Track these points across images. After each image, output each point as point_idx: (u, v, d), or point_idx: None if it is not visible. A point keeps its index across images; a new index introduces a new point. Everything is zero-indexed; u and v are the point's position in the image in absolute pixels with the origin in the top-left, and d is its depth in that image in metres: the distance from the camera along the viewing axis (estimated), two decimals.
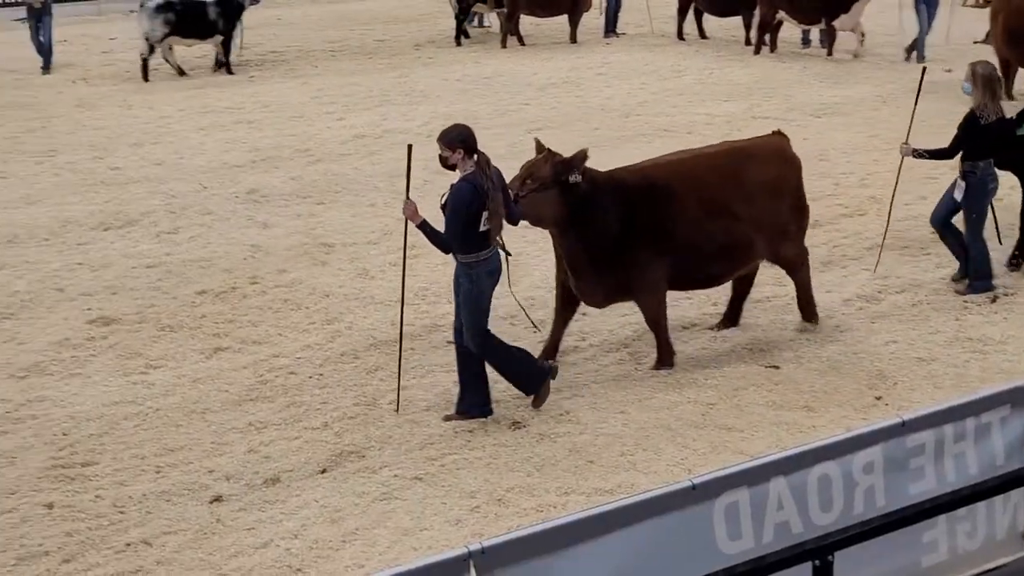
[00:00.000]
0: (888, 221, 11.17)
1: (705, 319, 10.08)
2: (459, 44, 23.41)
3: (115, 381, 9.21)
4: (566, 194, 8.59)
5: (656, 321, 9.09)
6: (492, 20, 24.89)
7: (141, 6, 20.84)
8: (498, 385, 8.87)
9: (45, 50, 21.53)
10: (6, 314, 10.53)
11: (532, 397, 8.54)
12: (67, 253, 12.07)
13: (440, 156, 8.14)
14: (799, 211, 9.60)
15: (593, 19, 24.05)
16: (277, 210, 13.28)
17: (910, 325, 9.87)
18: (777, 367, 9.17)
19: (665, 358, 9.14)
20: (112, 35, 25.00)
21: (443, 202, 8.08)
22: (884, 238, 11.13)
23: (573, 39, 23.40)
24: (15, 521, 7.28)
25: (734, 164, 9.27)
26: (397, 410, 8.55)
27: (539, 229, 9.32)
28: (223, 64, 21.42)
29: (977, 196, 10.20)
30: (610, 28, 24.11)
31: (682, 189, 8.97)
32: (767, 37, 21.84)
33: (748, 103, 17.79)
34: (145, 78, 20.71)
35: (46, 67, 21.44)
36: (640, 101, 18.12)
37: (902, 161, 10.73)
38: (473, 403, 8.45)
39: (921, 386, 8.78)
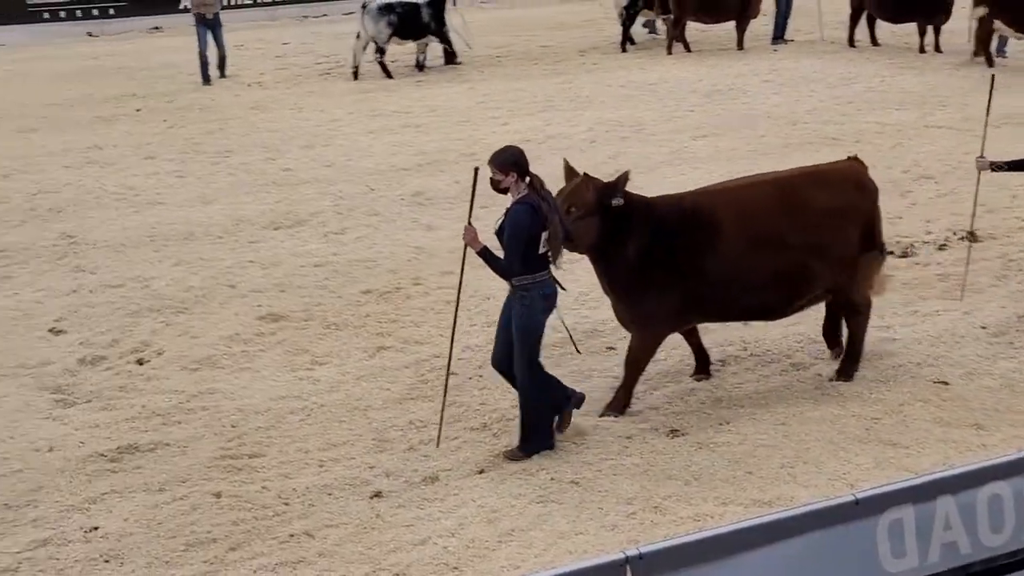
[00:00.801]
0: (970, 246, 10.69)
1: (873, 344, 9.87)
2: (624, 50, 23.37)
3: (282, 376, 9.46)
4: (605, 219, 8.35)
5: (635, 360, 8.64)
6: (661, 27, 24.75)
7: (364, 8, 21.54)
8: (655, 393, 8.85)
9: (218, 59, 21.78)
10: (181, 308, 10.90)
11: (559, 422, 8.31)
12: (239, 251, 12.44)
13: (491, 179, 7.91)
14: (870, 244, 9.02)
15: (761, 25, 23.76)
16: (441, 212, 13.46)
17: None
18: (946, 383, 8.91)
19: (617, 403, 8.60)
20: (285, 40, 25.66)
21: (498, 228, 7.92)
22: (968, 263, 10.59)
23: (740, 45, 23.14)
24: (185, 508, 7.53)
25: (797, 190, 8.79)
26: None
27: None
28: (421, 66, 22.24)
29: None
30: (778, 35, 23.77)
31: (727, 218, 8.51)
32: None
33: (920, 112, 17.36)
34: (388, 75, 21.62)
35: (206, 79, 21.48)
36: (808, 109, 17.84)
37: (979, 177, 10.25)
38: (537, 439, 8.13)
39: None
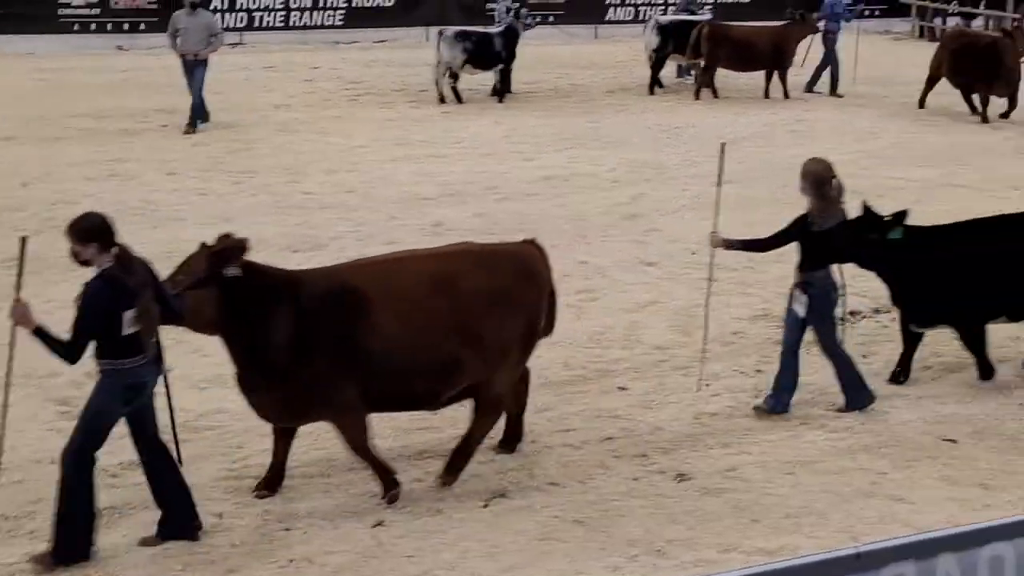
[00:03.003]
0: (706, 333, 9.80)
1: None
2: (652, 93, 23.43)
3: None
4: (228, 293, 7.45)
5: (358, 446, 7.82)
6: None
7: (441, 34, 21.97)
8: (663, 436, 8.84)
9: (194, 105, 19.09)
10: None
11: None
12: None
13: (72, 251, 6.89)
14: (530, 337, 8.19)
15: (793, 75, 23.68)
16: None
17: None
18: (954, 441, 8.88)
19: (387, 484, 7.89)
20: (315, 64, 25.81)
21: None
22: (704, 351, 9.73)
23: (767, 94, 23.16)
24: None
25: (455, 270, 7.92)
26: None
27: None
28: (500, 91, 22.45)
29: (824, 306, 8.97)
30: (832, 87, 23.63)
31: (379, 296, 7.66)
32: None
33: (945, 170, 17.34)
34: (459, 100, 21.95)
35: (192, 125, 18.96)
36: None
37: (712, 255, 9.44)
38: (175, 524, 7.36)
39: None
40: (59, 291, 11.52)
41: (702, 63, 23.17)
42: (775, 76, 23.10)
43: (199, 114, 19.08)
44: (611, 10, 32.08)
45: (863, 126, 20.56)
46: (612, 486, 8.15)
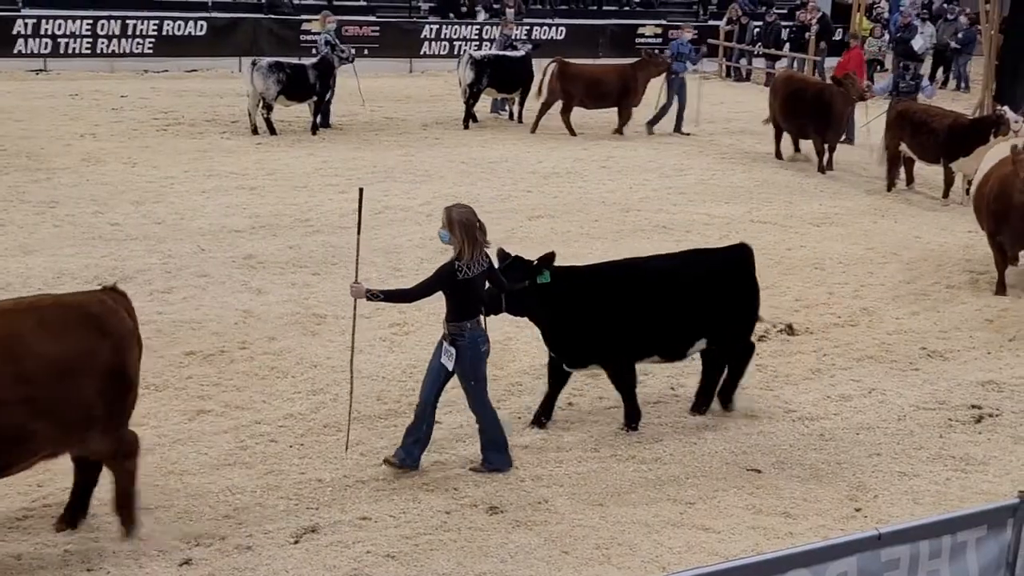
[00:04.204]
0: (352, 389, 9.22)
1: (676, 405, 10.08)
2: (467, 127, 23.63)
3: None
4: None
5: None
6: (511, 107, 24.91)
7: (254, 65, 21.61)
8: (476, 470, 8.87)
9: None
10: None
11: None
12: None
13: None
14: (117, 393, 7.48)
15: (637, 111, 24.07)
16: (272, 277, 13.31)
17: (895, 439, 9.87)
18: (759, 471, 9.15)
19: None
20: (123, 93, 25.21)
21: None
22: (350, 415, 9.24)
23: (620, 131, 23.50)
24: None
25: (17, 331, 7.13)
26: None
27: None
28: (314, 124, 22.33)
29: (472, 361, 8.65)
30: (674, 125, 24.15)
31: None
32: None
33: (748, 207, 17.93)
34: (272, 131, 21.71)
35: None
36: (641, 197, 18.26)
37: (355, 304, 8.91)
38: None
39: (901, 501, 8.77)
40: None
41: (543, 100, 23.36)
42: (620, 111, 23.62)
43: None
44: (426, 44, 32.27)
45: (670, 163, 21.11)
46: (424, 520, 8.14)
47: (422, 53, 32.15)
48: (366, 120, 23.58)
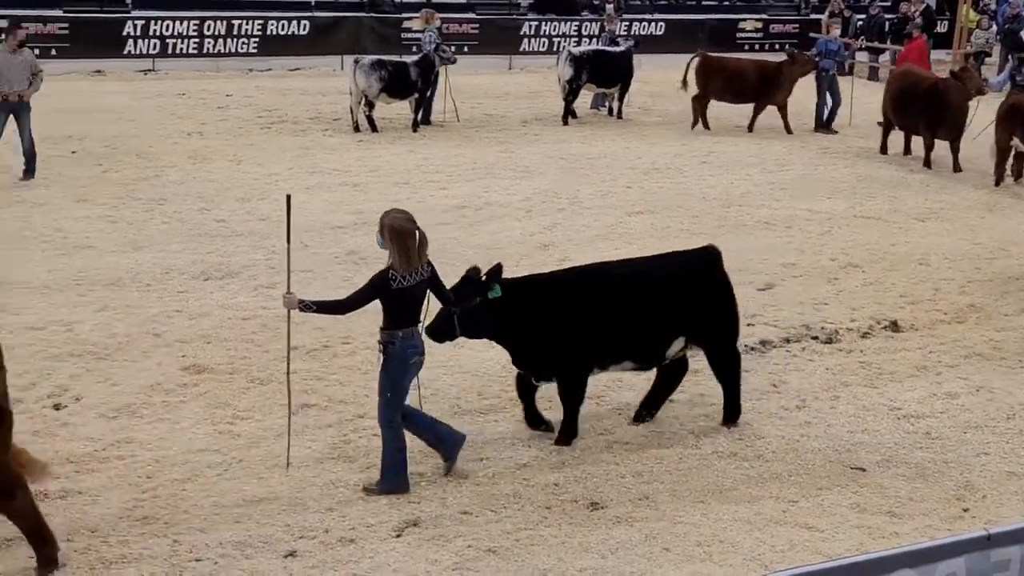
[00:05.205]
0: (289, 402, 9.05)
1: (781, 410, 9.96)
2: (566, 123, 23.61)
3: (202, 429, 9.36)
4: None
5: None
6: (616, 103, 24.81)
7: (356, 63, 21.87)
8: (578, 464, 8.86)
9: (25, 156, 17.29)
10: (103, 355, 10.76)
11: None
12: (167, 300, 12.33)
13: None
14: None
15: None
16: (374, 272, 13.38)
17: (1004, 438, 9.67)
18: (863, 469, 9.02)
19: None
20: (229, 92, 25.64)
21: None
22: (290, 424, 8.98)
23: (751, 128, 23.24)
24: (91, 561, 7.39)
25: None
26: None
27: None
28: (419, 123, 22.48)
29: (396, 371, 8.33)
30: (826, 121, 23.92)
31: None
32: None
33: (851, 202, 17.67)
34: (374, 128, 21.91)
35: (28, 172, 17.30)
36: (742, 192, 18.09)
37: (289, 317, 8.87)
38: None
39: (1011, 501, 8.58)
40: None
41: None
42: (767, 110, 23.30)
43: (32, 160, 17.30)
44: (525, 41, 32.32)
45: (772, 157, 20.89)
46: (525, 515, 8.16)
47: (521, 50, 32.21)
48: (466, 117, 23.67)
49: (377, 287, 8.38)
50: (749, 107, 23.42)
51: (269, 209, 16.04)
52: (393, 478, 8.44)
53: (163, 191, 16.94)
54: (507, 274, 9.01)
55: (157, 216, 15.62)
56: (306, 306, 8.42)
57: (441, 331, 8.82)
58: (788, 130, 23.23)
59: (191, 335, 11.33)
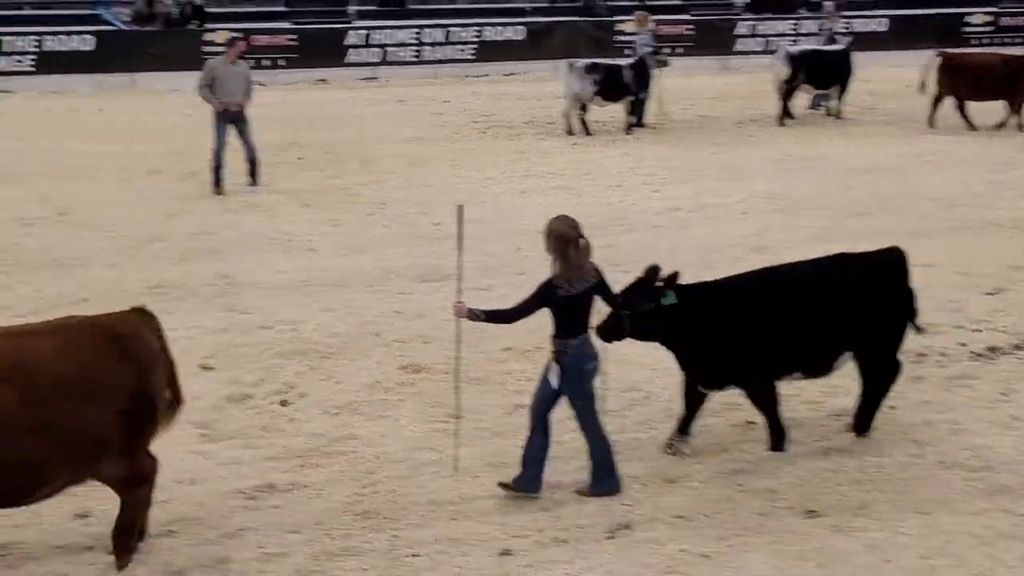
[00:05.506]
0: (458, 407, 8.97)
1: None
2: (782, 124, 23.22)
3: (419, 427, 9.56)
4: None
5: None
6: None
7: (571, 67, 22.17)
8: (794, 469, 8.70)
9: (248, 163, 17.85)
10: (326, 354, 11.11)
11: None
12: (386, 301, 12.65)
13: None
14: (135, 418, 7.19)
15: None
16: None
17: None
18: None
19: None
20: (446, 98, 26.14)
21: None
22: (456, 437, 8.85)
23: (1021, 127, 22.32)
24: (316, 552, 7.63)
25: (32, 354, 6.93)
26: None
27: None
28: (632, 125, 22.58)
29: (574, 382, 8.25)
30: None
31: None
32: None
33: None
34: (587, 131, 22.10)
35: (218, 184, 17.48)
36: (970, 192, 17.44)
37: (459, 324, 8.69)
38: None
39: None
40: (201, 317, 11.89)
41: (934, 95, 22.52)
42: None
43: (221, 174, 17.53)
44: (740, 41, 31.93)
45: (1000, 157, 20.06)
46: (740, 521, 8.05)
47: (736, 50, 31.83)
48: (680, 119, 23.53)
49: (543, 295, 8.35)
50: (984, 104, 22.40)
51: (484, 213, 16.24)
52: (605, 480, 8.45)
53: (383, 195, 17.39)
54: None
55: (377, 220, 16.06)
56: (475, 315, 8.40)
57: (611, 331, 8.72)
58: (1003, 124, 22.24)
59: (409, 335, 11.59)
